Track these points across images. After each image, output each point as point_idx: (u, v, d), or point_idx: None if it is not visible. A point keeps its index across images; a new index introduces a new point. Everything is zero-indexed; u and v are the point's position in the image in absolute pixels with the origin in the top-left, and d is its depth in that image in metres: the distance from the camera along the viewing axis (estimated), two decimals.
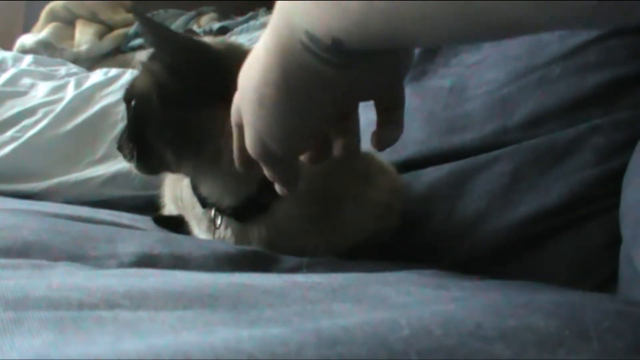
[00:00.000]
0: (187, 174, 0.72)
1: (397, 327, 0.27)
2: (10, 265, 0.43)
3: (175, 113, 0.65)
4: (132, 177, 0.73)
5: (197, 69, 0.65)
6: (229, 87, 0.51)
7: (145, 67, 0.69)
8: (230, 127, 0.51)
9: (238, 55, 0.56)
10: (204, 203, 0.71)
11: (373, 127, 0.98)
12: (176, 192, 0.84)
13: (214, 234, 0.71)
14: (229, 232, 0.70)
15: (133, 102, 0.69)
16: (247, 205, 0.67)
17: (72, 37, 2.03)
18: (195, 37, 0.73)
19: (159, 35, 0.65)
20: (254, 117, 0.43)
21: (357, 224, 0.72)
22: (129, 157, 0.69)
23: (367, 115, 1.00)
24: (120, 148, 0.71)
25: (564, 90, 0.75)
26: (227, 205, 0.69)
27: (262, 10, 2.07)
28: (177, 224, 0.82)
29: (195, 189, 0.72)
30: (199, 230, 0.76)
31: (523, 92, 0.78)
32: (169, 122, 0.66)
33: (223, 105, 0.56)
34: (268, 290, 0.36)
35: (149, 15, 2.04)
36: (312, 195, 0.67)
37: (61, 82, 1.42)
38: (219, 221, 0.70)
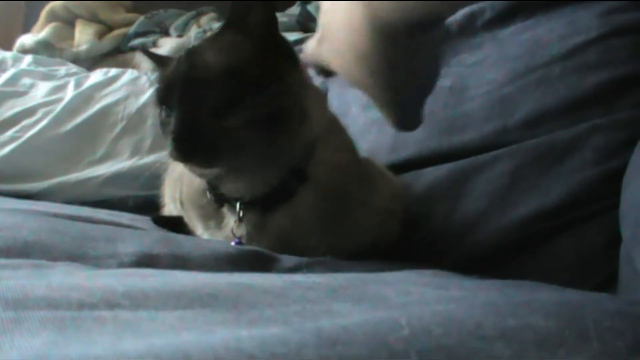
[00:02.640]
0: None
1: (397, 327, 0.27)
2: (10, 265, 0.43)
3: (272, 87, 0.63)
4: (132, 177, 0.72)
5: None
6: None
7: (221, 40, 0.65)
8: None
9: None
10: (221, 200, 0.70)
11: (373, 127, 0.99)
12: (176, 194, 0.83)
13: (232, 230, 0.70)
14: (242, 228, 0.69)
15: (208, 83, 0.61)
16: (276, 192, 0.68)
17: (71, 37, 2.03)
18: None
19: None
20: None
21: (361, 229, 0.72)
22: (213, 159, 0.62)
23: (366, 115, 1.01)
24: (188, 151, 0.61)
25: (564, 90, 0.75)
26: (257, 194, 0.68)
27: None
28: (176, 224, 0.82)
29: (215, 185, 0.70)
30: (204, 230, 0.76)
31: (523, 92, 0.78)
32: (267, 98, 0.62)
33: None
34: (268, 290, 0.36)
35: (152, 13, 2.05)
36: (329, 190, 0.68)
37: (61, 82, 1.42)
38: (240, 214, 0.69)
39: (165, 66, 0.67)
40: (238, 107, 0.61)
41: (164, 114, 0.66)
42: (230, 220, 0.70)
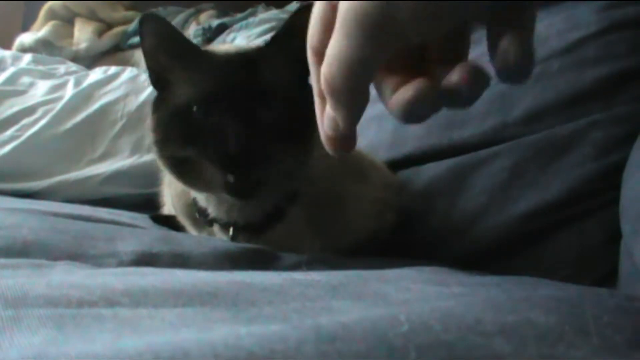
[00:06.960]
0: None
1: (397, 323, 0.27)
2: (10, 264, 0.43)
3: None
4: (132, 175, 0.71)
5: None
6: None
7: (282, 52, 0.60)
8: None
9: None
10: (211, 221, 0.70)
11: (372, 124, 0.98)
12: (166, 198, 0.83)
13: None
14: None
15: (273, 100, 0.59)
16: (269, 216, 0.67)
17: (71, 35, 2.03)
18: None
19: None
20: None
21: (357, 223, 0.72)
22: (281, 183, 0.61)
23: (366, 111, 1.00)
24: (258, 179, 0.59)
25: (563, 85, 0.75)
26: (251, 221, 0.67)
27: (260, 7, 2.07)
28: (175, 223, 0.82)
29: (203, 210, 0.69)
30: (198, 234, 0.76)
31: (522, 87, 0.78)
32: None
33: None
34: (267, 288, 0.36)
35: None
36: (319, 197, 0.68)
37: (60, 80, 1.42)
38: (229, 236, 0.69)
39: (200, 59, 0.62)
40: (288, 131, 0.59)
41: (201, 115, 0.60)
42: (222, 236, 0.70)
